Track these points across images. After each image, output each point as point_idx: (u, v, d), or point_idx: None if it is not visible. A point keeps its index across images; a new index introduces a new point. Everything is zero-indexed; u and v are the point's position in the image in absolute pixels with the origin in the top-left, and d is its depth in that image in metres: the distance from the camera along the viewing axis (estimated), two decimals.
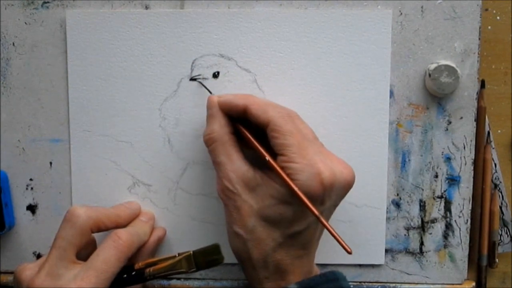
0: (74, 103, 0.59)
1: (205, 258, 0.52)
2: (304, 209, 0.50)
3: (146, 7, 0.57)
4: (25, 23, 0.59)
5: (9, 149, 0.60)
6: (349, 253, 0.48)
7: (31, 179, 0.61)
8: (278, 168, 0.49)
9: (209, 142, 0.52)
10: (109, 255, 0.51)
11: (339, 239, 0.48)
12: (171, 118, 0.58)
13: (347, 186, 0.51)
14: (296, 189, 0.48)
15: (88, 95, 0.58)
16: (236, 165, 0.51)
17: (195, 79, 0.57)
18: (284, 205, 0.50)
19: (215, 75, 0.57)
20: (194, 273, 0.53)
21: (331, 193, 0.50)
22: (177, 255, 0.53)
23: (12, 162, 0.60)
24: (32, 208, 0.61)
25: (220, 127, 0.52)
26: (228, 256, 0.55)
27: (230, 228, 0.53)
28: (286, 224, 0.50)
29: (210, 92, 0.56)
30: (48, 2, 0.58)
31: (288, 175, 0.49)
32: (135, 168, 0.59)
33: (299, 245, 0.52)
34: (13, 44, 0.59)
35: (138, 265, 0.54)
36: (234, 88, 0.57)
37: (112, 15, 0.57)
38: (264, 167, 0.51)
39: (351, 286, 0.52)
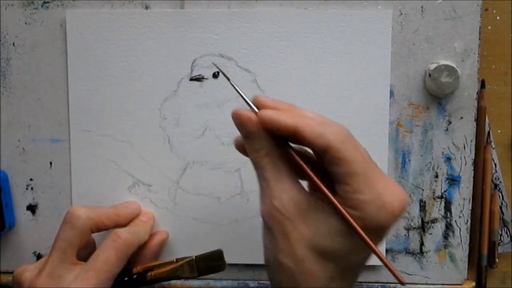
0: (74, 103, 0.59)
1: (207, 264, 0.52)
2: (359, 245, 0.43)
3: (146, 7, 0.57)
4: (25, 23, 0.59)
5: (9, 149, 0.60)
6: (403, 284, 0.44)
7: (31, 179, 0.61)
8: (337, 204, 0.43)
9: (258, 159, 0.45)
10: (109, 255, 0.51)
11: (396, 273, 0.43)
12: (171, 118, 0.58)
13: (405, 212, 0.47)
14: (359, 229, 0.42)
15: (88, 95, 0.58)
16: (287, 184, 0.44)
17: (195, 79, 0.57)
18: (343, 236, 0.43)
19: (215, 75, 0.57)
20: (196, 278, 0.53)
21: (394, 224, 0.44)
22: (175, 260, 0.53)
23: (12, 162, 0.60)
24: (32, 208, 0.61)
25: (267, 143, 0.44)
26: (229, 257, 0.55)
27: (273, 258, 0.44)
28: (343, 256, 0.43)
29: (228, 78, 0.49)
30: (48, 2, 0.58)
31: (353, 206, 0.42)
32: (135, 168, 0.59)
33: (354, 276, 0.46)
34: (13, 44, 0.59)
35: (137, 268, 0.54)
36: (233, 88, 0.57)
37: (112, 15, 0.57)
38: (319, 191, 0.44)
39: None
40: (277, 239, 0.44)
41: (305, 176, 0.45)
